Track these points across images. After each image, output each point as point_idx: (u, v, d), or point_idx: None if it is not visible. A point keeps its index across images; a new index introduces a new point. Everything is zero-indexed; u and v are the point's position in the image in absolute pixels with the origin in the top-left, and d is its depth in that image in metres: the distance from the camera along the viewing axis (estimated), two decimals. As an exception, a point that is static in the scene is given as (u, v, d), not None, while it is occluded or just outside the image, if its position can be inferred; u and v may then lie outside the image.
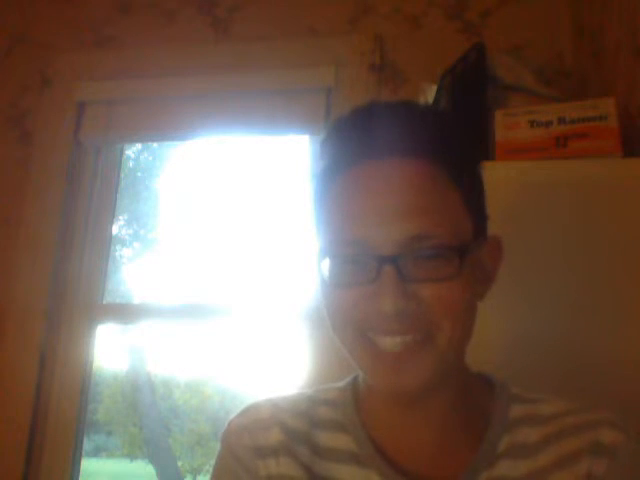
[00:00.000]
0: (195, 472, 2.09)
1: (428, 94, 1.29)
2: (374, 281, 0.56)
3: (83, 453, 1.59)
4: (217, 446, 0.71)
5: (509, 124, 1.02)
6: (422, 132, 0.60)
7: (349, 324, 0.59)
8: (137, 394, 2.09)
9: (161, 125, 1.71)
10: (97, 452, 1.99)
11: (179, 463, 2.07)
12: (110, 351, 1.82)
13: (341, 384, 0.70)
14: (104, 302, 1.68)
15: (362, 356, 0.59)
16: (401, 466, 0.62)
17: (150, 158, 2.14)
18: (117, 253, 1.97)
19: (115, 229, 1.77)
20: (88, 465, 1.66)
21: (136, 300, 1.91)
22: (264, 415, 0.68)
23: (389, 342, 0.57)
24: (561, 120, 1.00)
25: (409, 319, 0.56)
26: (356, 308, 0.58)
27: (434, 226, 0.57)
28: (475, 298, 0.62)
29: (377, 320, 0.57)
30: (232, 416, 0.70)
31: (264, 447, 0.65)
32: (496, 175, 0.95)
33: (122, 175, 1.81)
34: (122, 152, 1.82)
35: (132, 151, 2.06)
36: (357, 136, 0.61)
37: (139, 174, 2.11)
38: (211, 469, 0.70)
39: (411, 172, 0.59)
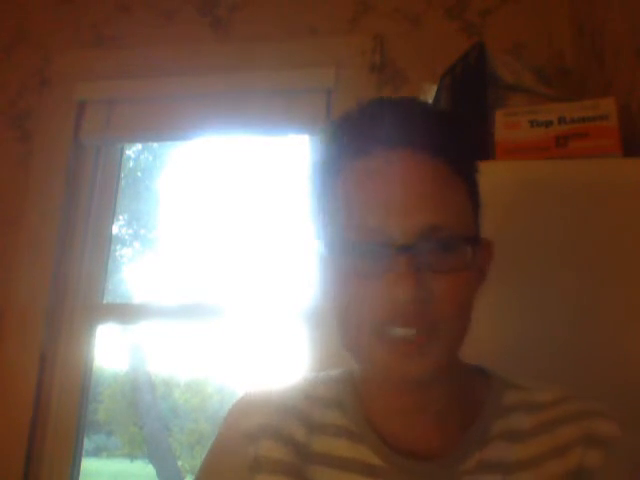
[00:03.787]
0: (195, 472, 2.08)
1: (428, 94, 1.29)
2: (389, 271, 0.56)
3: (83, 453, 1.59)
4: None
5: (509, 124, 1.02)
6: (434, 128, 0.61)
7: (362, 319, 0.58)
8: (137, 394, 2.09)
9: (161, 125, 1.71)
10: (97, 452, 1.99)
11: (179, 463, 2.07)
12: (110, 351, 1.82)
13: (340, 369, 0.72)
14: (104, 302, 1.68)
15: (373, 349, 0.58)
16: (394, 444, 0.63)
17: (150, 158, 2.14)
18: (117, 253, 1.97)
19: (115, 229, 1.77)
20: (88, 465, 1.65)
21: (136, 300, 1.91)
22: (259, 397, 0.70)
23: (400, 332, 0.56)
24: (561, 120, 1.00)
25: (422, 309, 0.56)
26: (369, 300, 0.57)
27: (448, 217, 0.57)
28: (475, 294, 0.63)
29: (391, 311, 0.56)
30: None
31: (255, 430, 0.66)
32: (496, 175, 0.95)
33: (122, 175, 1.81)
34: (122, 152, 1.82)
35: (132, 151, 2.06)
36: (369, 126, 0.61)
37: (139, 174, 2.11)
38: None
39: (426, 165, 0.59)
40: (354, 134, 0.62)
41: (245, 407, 0.70)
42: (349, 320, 0.60)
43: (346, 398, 0.68)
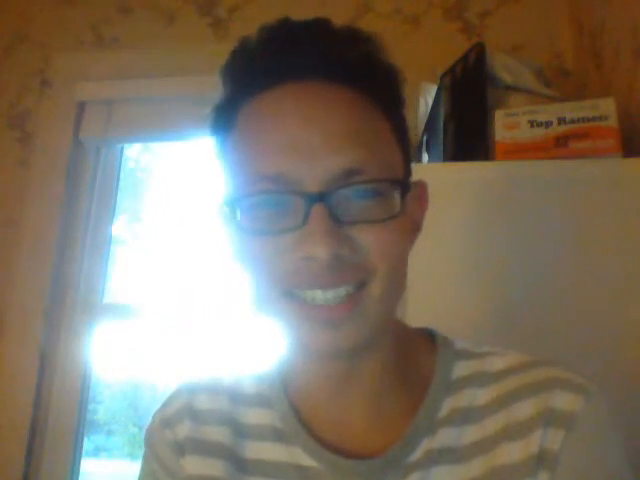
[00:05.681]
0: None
1: (428, 94, 1.29)
2: (302, 225, 0.47)
3: (83, 453, 1.59)
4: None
5: (509, 124, 1.02)
6: (348, 54, 0.52)
7: (274, 283, 0.50)
8: (137, 394, 2.09)
9: (161, 125, 1.71)
10: (97, 452, 1.98)
11: (179, 463, 2.07)
12: (110, 351, 1.82)
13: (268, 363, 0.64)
14: (104, 302, 1.68)
15: (292, 319, 0.50)
16: (330, 441, 0.55)
17: (150, 158, 2.14)
18: (117, 253, 1.97)
19: (115, 229, 1.77)
20: (88, 465, 1.65)
21: (136, 300, 1.91)
22: (181, 404, 0.61)
23: (320, 297, 0.48)
24: (561, 120, 1.00)
25: (343, 268, 0.47)
26: (281, 261, 0.49)
27: (369, 159, 0.49)
28: (409, 246, 0.55)
29: (307, 273, 0.48)
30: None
31: (182, 442, 0.59)
32: (496, 175, 0.96)
33: (122, 175, 1.81)
34: (122, 152, 1.82)
35: (132, 151, 2.06)
36: (270, 54, 0.52)
37: (139, 174, 2.11)
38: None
39: (339, 97, 0.51)
40: (252, 65, 0.53)
41: (169, 416, 0.61)
42: (260, 286, 0.52)
43: (273, 393, 0.60)
